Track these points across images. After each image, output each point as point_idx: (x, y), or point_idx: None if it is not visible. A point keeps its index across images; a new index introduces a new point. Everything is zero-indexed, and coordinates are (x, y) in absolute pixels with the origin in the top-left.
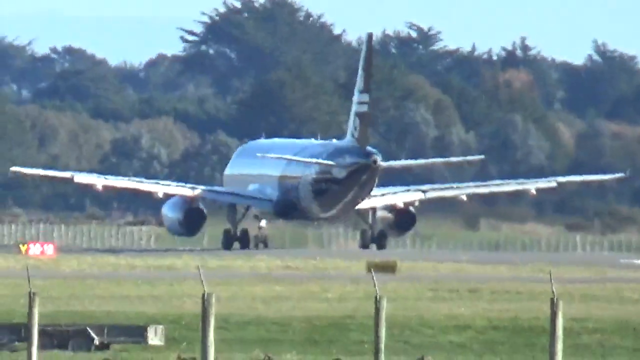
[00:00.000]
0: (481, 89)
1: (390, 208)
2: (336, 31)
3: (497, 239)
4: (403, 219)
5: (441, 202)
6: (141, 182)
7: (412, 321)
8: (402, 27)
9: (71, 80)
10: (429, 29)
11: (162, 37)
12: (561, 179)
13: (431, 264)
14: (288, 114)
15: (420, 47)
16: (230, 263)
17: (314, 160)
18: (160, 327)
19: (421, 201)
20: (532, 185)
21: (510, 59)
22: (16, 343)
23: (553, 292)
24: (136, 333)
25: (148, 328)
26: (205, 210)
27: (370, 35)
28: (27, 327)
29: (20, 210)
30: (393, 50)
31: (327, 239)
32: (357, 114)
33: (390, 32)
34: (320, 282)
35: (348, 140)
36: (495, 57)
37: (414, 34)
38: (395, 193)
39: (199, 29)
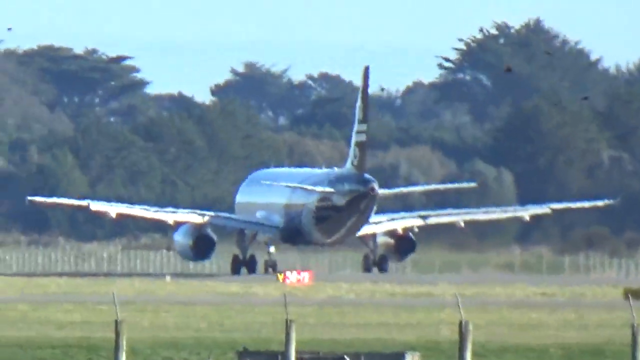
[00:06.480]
0: None
1: (391, 234)
2: (593, 57)
3: None
4: (403, 245)
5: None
6: (155, 211)
7: None
8: None
9: (328, 107)
10: None
11: (419, 65)
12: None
13: None
14: (544, 142)
15: None
16: (486, 290)
17: (315, 188)
18: (417, 354)
19: (420, 227)
20: (525, 212)
21: None
22: None
23: None
24: None
25: (405, 355)
26: (214, 236)
27: (367, 68)
28: (285, 355)
29: None
30: None
31: (584, 266)
32: (356, 143)
33: None
34: (576, 309)
35: (348, 169)
36: None
37: None
38: (394, 220)
39: (455, 56)
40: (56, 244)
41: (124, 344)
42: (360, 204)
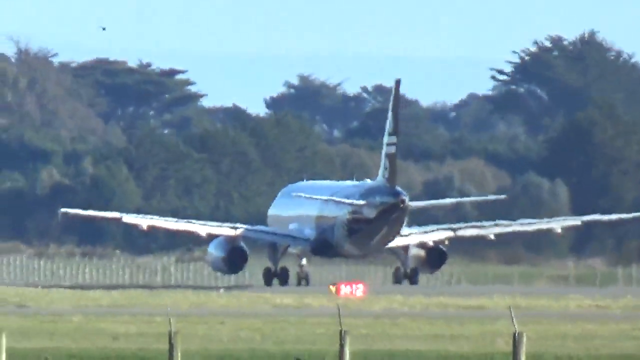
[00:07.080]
0: None
1: (422, 246)
2: None
3: None
4: (433, 257)
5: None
6: (188, 222)
7: None
8: None
9: (382, 119)
10: None
11: (473, 77)
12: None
13: None
14: (598, 153)
15: None
16: (538, 302)
17: (346, 200)
18: None
19: (450, 239)
20: (557, 224)
21: None
22: None
23: None
24: None
25: None
26: (247, 249)
27: (398, 81)
28: None
29: None
30: None
31: (638, 278)
32: (387, 155)
33: None
34: (630, 321)
35: (379, 181)
36: None
37: None
38: (425, 232)
39: (509, 68)
40: (110, 256)
41: (178, 356)
42: (390, 216)
